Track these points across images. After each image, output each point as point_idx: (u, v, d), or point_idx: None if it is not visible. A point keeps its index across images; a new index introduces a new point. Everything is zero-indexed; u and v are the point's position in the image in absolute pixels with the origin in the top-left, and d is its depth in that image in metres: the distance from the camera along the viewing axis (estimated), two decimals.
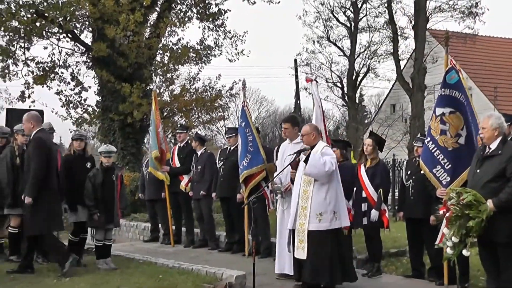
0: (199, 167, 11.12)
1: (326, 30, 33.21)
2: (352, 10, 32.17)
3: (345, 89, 33.74)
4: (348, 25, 32.65)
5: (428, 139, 7.37)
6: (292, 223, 7.41)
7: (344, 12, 32.65)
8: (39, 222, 8.14)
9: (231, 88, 22.59)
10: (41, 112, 9.97)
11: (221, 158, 10.84)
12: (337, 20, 32.84)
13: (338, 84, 34.43)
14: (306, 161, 7.21)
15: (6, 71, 19.30)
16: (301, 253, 7.20)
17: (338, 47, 33.58)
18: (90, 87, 20.36)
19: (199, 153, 11.34)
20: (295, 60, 33.55)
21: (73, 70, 20.18)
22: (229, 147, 10.89)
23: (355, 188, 8.64)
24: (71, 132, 12.07)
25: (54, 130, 9.56)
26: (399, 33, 28.14)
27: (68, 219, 9.49)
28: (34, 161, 8.07)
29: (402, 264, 9.66)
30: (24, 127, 8.50)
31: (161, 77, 21.55)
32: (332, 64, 34.12)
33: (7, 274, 8.21)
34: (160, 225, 12.53)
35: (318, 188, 7.23)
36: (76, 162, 9.13)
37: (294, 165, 7.63)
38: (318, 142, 7.45)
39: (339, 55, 33.95)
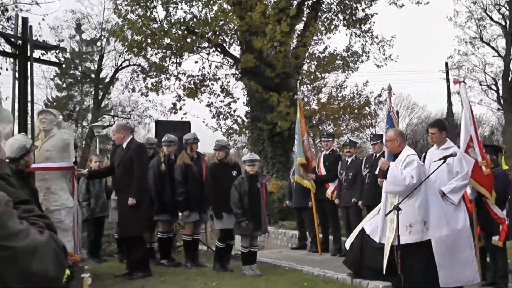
0: (350, 174, 10.97)
1: (479, 30, 31.82)
2: (507, 7, 30.46)
3: (501, 91, 31.97)
4: (503, 23, 31.00)
5: None
6: (380, 236, 7.05)
7: (498, 10, 31.07)
8: (138, 223, 8.48)
9: (379, 95, 22.20)
10: (187, 124, 10.36)
11: (367, 165, 10.62)
12: (491, 19, 31.33)
13: (493, 87, 32.74)
14: (385, 176, 6.82)
15: (159, 85, 20.45)
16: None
17: (492, 48, 32.02)
18: (238, 98, 20.99)
19: (349, 160, 11.18)
20: (446, 64, 32.37)
21: (222, 83, 20.95)
22: (374, 154, 10.65)
23: (509, 197, 8.05)
24: None
25: (199, 140, 9.87)
26: None
27: (214, 225, 9.77)
28: (140, 166, 8.56)
29: None
30: (115, 137, 8.93)
31: (308, 86, 21.64)
32: (486, 66, 32.60)
33: (159, 278, 8.53)
34: (307, 233, 12.49)
35: (405, 199, 6.76)
36: (221, 171, 9.40)
37: (381, 173, 7.24)
38: (404, 149, 7.00)
39: (493, 56, 32.34)
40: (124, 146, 8.74)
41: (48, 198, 7.86)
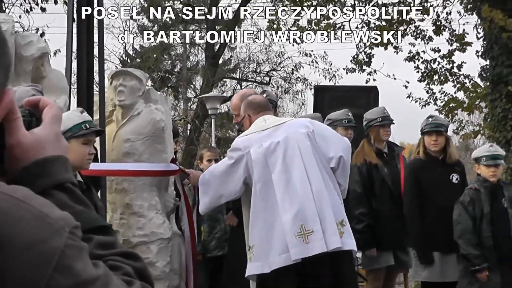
0: None
1: None
2: None
3: None
4: None
5: None
6: None
7: None
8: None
9: None
10: (372, 91, 10.60)
11: None
12: None
13: None
14: None
15: (324, 22, 15.62)
16: None
17: None
18: (470, 43, 16.21)
19: None
20: None
21: (438, 15, 16.48)
22: None
23: None
24: None
25: (392, 121, 7.78)
26: None
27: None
28: None
29: None
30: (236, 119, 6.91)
31: None
32: None
33: None
34: None
35: None
36: (432, 173, 7.26)
37: None
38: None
39: None
40: None
41: (128, 223, 6.22)
